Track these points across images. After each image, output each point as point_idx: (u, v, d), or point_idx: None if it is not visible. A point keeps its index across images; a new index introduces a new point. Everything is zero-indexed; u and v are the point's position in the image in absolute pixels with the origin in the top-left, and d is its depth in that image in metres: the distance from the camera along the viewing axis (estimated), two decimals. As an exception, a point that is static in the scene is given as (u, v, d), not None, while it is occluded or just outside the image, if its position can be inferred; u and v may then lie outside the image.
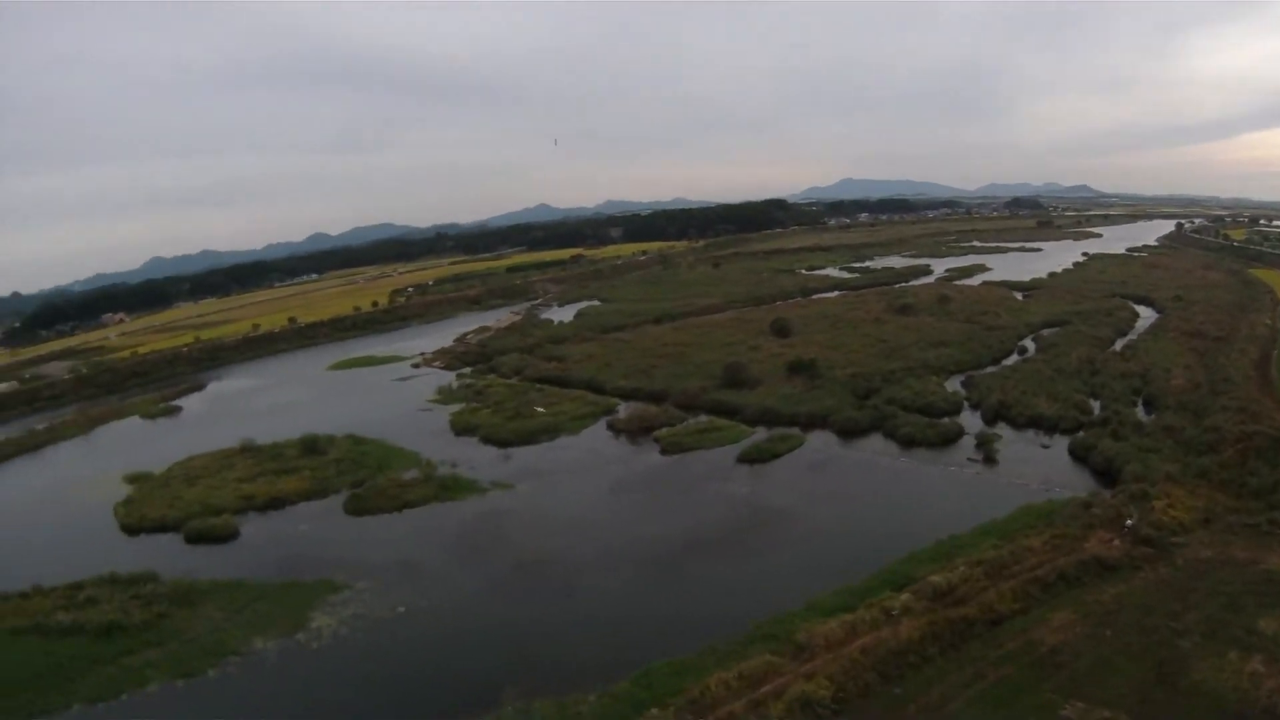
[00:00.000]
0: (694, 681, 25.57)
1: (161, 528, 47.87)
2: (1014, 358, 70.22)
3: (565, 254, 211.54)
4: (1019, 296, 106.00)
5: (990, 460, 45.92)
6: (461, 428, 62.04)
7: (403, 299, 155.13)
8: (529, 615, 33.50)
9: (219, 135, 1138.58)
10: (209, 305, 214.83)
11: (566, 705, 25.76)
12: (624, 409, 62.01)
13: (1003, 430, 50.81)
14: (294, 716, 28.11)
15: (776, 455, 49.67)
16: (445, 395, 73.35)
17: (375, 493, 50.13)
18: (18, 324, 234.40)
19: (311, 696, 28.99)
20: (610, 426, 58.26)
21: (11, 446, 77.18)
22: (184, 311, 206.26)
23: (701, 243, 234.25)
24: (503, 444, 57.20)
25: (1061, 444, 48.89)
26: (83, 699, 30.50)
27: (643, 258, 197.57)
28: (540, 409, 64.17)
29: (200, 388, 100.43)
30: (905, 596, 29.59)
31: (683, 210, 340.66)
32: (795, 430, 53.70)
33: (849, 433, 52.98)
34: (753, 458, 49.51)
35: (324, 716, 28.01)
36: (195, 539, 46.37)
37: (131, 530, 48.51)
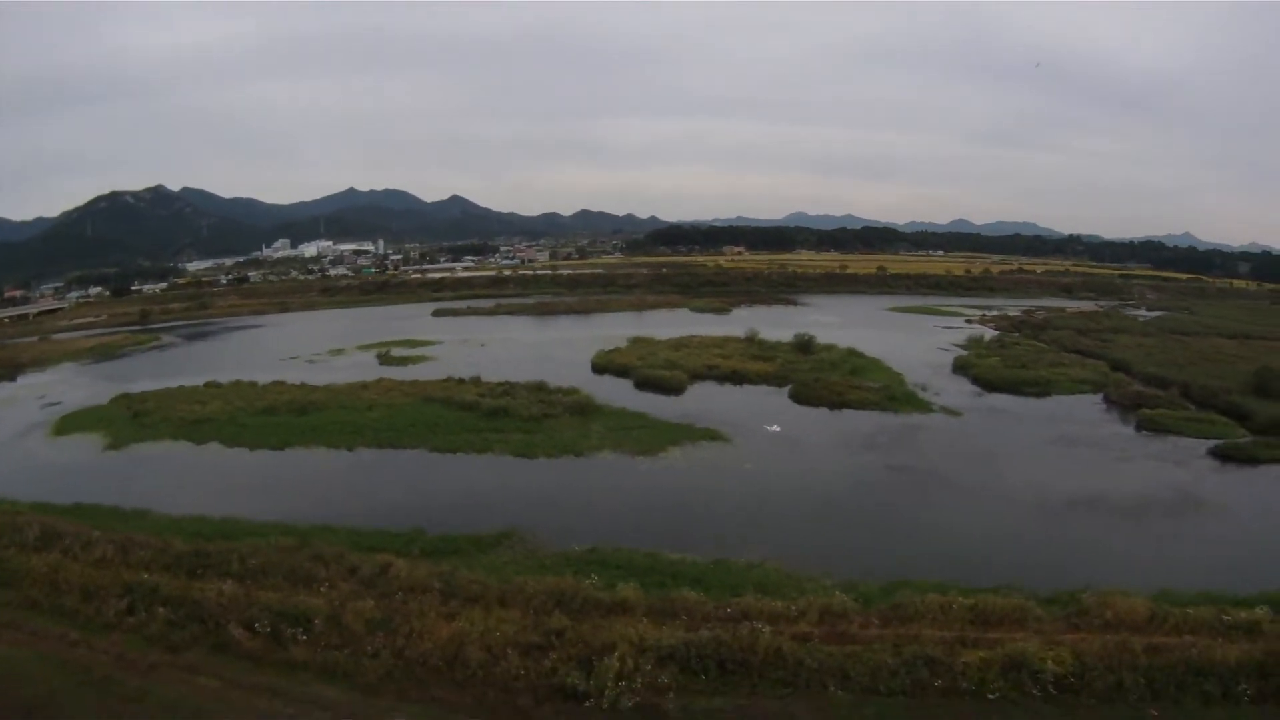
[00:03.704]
0: (921, 596, 19.53)
1: (622, 373, 56.24)
2: None
3: (1183, 276, 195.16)
4: None
5: None
6: (959, 366, 60.58)
7: (996, 272, 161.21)
8: (852, 504, 30.69)
9: (866, 108, 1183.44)
10: (827, 256, 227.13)
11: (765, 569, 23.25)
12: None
13: None
14: (546, 500, 30.52)
15: (1257, 460, 39.01)
16: (971, 345, 70.41)
17: (822, 386, 50.14)
18: (640, 238, 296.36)
19: (582, 497, 30.98)
20: (1105, 398, 52.17)
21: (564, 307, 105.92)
22: (799, 256, 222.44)
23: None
24: (988, 387, 54.18)
25: None
26: (433, 446, 38.38)
27: (1254, 289, 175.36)
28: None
29: (767, 303, 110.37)
30: (1262, 610, 20.05)
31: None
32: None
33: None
34: (1228, 455, 39.60)
35: (569, 511, 29.38)
36: (641, 385, 52.70)
37: (598, 370, 58.75)
